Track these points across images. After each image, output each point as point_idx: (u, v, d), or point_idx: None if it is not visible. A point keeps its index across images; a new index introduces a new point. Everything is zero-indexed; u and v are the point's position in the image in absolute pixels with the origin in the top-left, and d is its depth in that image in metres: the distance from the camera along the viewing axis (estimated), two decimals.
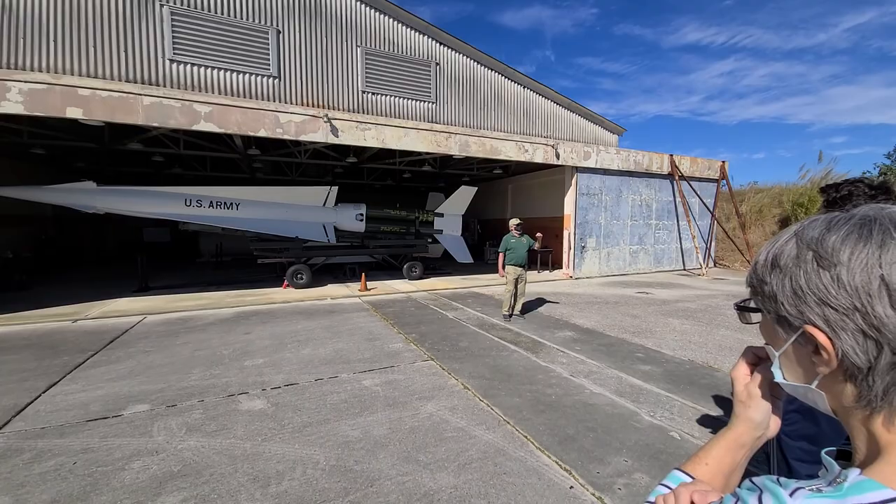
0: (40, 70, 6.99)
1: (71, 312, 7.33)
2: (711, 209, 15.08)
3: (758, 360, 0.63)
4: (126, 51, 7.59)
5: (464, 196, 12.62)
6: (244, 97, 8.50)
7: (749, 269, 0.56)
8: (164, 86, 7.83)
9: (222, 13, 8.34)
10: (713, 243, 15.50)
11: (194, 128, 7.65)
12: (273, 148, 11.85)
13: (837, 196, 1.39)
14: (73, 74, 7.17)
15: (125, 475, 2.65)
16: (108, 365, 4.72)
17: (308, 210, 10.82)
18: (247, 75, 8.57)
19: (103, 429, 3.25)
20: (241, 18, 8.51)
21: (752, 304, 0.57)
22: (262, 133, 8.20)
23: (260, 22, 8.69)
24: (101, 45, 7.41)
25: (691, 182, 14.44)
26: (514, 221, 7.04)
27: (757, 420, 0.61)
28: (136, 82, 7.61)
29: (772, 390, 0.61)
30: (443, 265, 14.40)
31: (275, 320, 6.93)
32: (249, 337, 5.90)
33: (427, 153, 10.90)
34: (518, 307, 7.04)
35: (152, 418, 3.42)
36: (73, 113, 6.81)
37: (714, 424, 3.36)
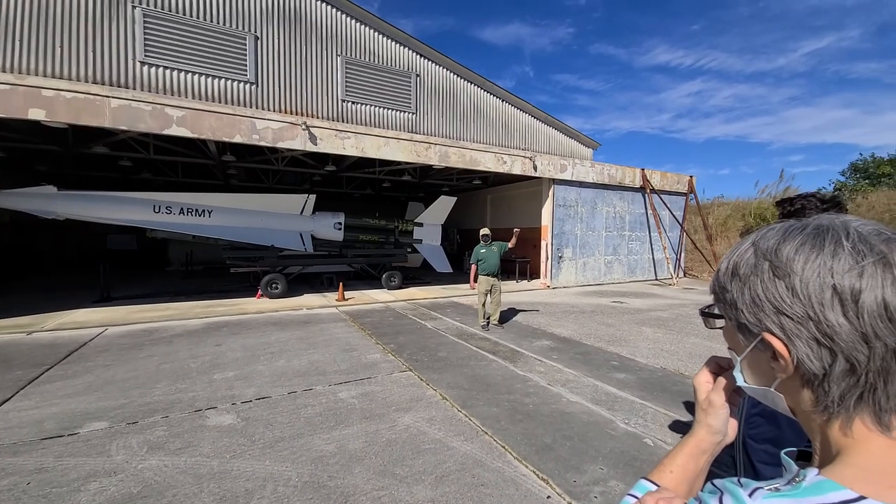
0: (3, 70, 6.66)
1: (26, 324, 6.89)
2: (681, 221, 15.67)
3: (720, 369, 0.65)
4: (94, 52, 7.32)
5: (443, 206, 12.67)
6: (220, 102, 8.32)
7: (713, 277, 0.58)
8: (135, 88, 7.59)
9: (198, 17, 8.18)
10: (683, 254, 16.08)
11: (165, 132, 7.42)
12: (249, 154, 11.61)
13: (791, 209, 1.47)
14: (37, 75, 6.86)
15: (81, 497, 2.48)
16: (65, 380, 4.45)
17: (284, 218, 10.62)
18: (223, 80, 8.40)
19: (58, 448, 3.05)
20: (218, 23, 8.37)
21: (716, 311, 0.58)
22: (237, 139, 8.03)
23: (237, 27, 8.57)
24: (68, 45, 7.13)
25: (662, 195, 14.99)
26: (482, 231, 7.20)
27: (716, 426, 0.62)
28: (104, 84, 7.34)
29: (730, 398, 0.63)
30: (422, 275, 14.36)
31: (247, 331, 6.71)
32: (220, 349, 5.69)
33: (407, 163, 10.91)
34: (495, 317, 7.08)
35: (111, 436, 3.23)
36: (36, 114, 6.51)
37: (685, 430, 3.43)
